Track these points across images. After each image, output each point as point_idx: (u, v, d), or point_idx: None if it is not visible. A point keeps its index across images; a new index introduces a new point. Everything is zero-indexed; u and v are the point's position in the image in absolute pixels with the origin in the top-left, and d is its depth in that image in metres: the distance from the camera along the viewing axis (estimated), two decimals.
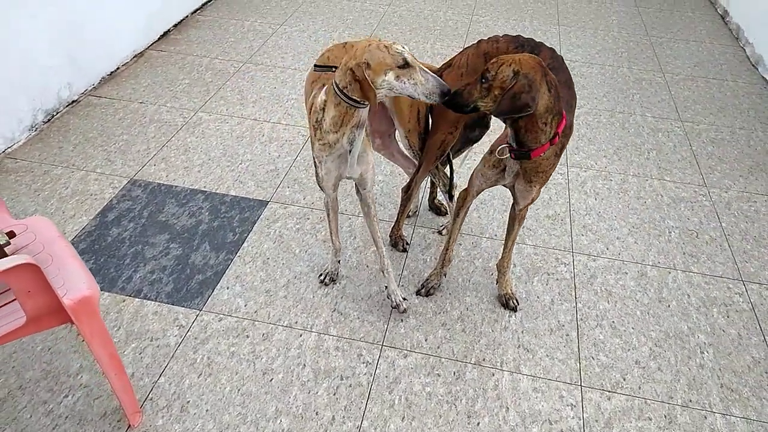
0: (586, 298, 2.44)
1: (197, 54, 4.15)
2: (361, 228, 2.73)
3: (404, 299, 2.32)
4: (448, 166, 2.58)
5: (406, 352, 2.18)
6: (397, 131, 2.42)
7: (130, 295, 2.34)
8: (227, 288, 2.40)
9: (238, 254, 2.56)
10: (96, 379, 2.02)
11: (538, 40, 2.15)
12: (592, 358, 2.20)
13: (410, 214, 2.76)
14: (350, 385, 2.06)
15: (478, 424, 1.95)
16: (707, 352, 2.25)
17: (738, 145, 3.48)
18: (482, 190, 2.16)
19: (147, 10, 4.13)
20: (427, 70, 1.75)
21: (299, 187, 2.96)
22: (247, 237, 2.65)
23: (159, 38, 4.31)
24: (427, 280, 2.42)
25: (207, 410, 1.95)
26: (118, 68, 3.89)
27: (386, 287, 2.31)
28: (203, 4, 4.87)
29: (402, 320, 2.30)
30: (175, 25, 4.51)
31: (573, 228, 2.81)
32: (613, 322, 2.34)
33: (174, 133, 3.33)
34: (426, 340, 2.23)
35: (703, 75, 4.26)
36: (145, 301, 2.33)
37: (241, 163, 3.12)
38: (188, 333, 2.21)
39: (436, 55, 4.31)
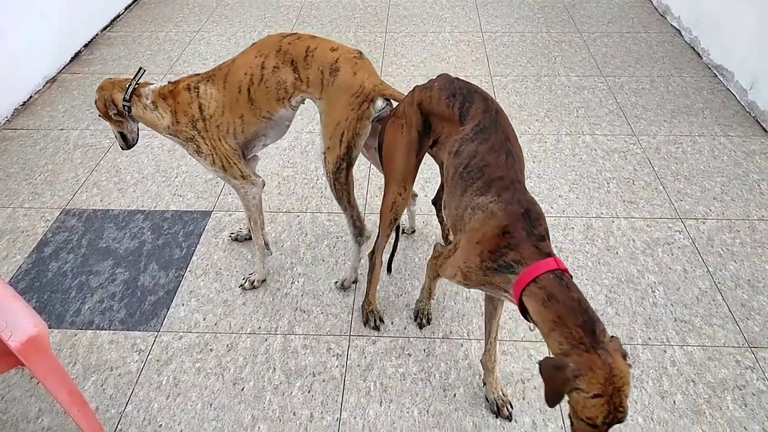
0: None
1: (114, 72, 3.99)
2: (311, 224, 2.71)
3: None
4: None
5: (374, 338, 2.19)
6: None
7: (81, 328, 2.24)
8: (183, 305, 2.34)
9: (188, 269, 2.49)
10: (59, 419, 1.93)
11: (473, 86, 1.83)
12: None
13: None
14: (324, 380, 2.04)
15: (455, 395, 1.98)
16: (658, 290, 2.35)
17: (658, 93, 3.64)
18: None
19: (52, 33, 3.93)
20: None
21: None
22: (195, 250, 2.58)
23: (70, 60, 4.12)
24: (416, 311, 2.25)
25: (181, 430, 1.90)
26: (30, 97, 3.70)
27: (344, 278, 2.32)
28: (112, 20, 4.68)
29: None
30: (86, 45, 4.31)
31: None
32: None
33: (102, 155, 3.19)
34: (392, 323, 2.24)
35: (617, 30, 4.42)
36: (98, 331, 2.23)
37: (176, 177, 3.03)
38: (149, 356, 2.14)
39: (360, 42, 4.30)
